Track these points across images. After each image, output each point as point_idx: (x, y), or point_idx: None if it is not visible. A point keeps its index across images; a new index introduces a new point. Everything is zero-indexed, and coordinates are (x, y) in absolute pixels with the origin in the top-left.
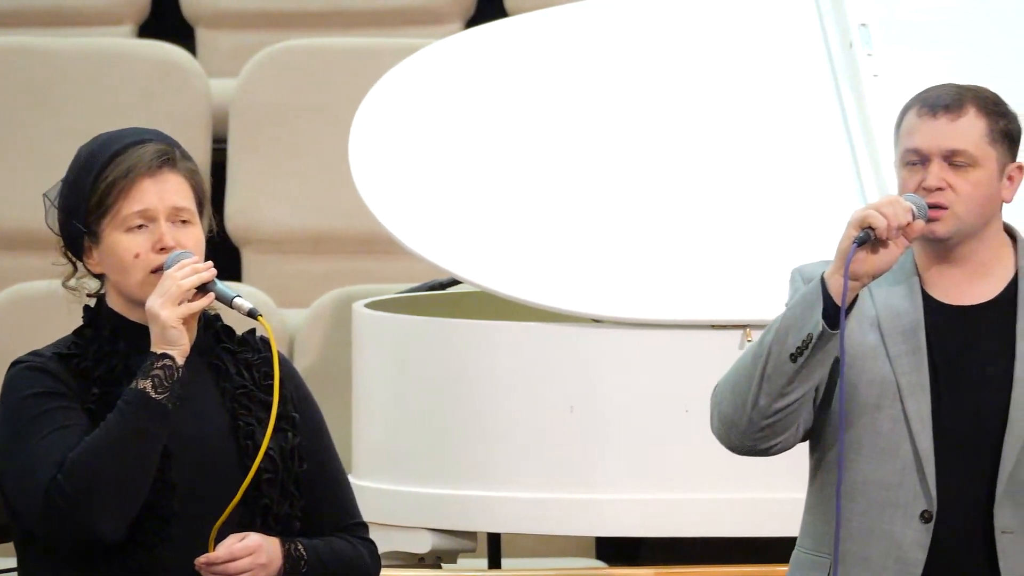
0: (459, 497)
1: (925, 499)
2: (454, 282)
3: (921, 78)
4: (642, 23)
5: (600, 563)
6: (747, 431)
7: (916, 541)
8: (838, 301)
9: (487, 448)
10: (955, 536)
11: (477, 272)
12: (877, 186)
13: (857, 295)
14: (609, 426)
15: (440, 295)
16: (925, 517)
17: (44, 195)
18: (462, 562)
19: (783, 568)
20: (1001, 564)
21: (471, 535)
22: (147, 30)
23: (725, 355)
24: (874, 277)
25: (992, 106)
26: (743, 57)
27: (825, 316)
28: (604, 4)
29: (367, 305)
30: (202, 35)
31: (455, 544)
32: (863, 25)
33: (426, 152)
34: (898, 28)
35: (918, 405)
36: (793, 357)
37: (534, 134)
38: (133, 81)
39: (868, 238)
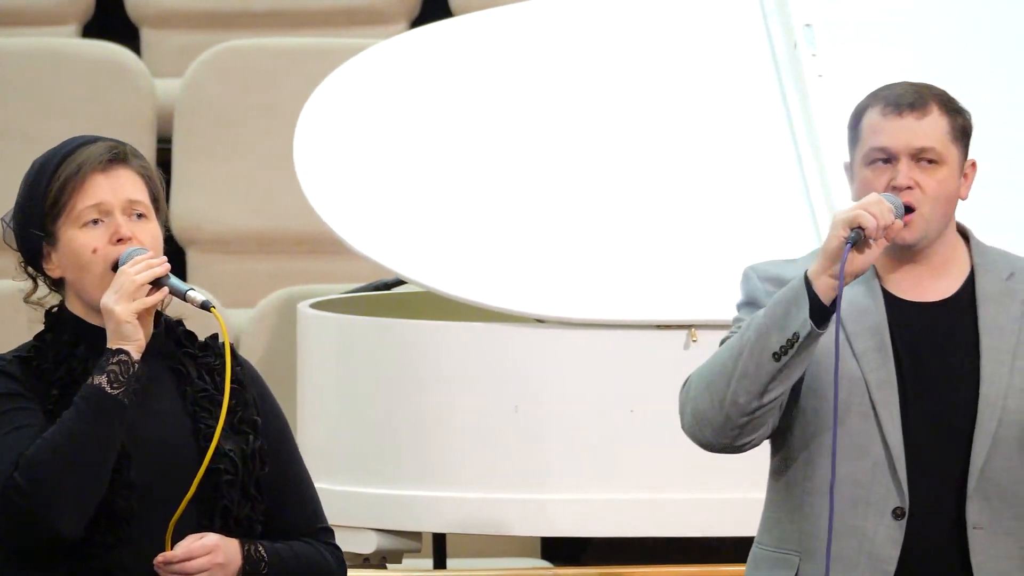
0: (404, 497)
1: (897, 496)
2: (399, 282)
3: (866, 78)
4: (587, 23)
5: (545, 563)
6: (723, 428)
7: (889, 538)
8: (825, 300)
9: (432, 448)
10: (928, 533)
11: (422, 272)
12: (822, 186)
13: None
14: (554, 426)
15: (385, 295)
16: (897, 514)
17: (1, 219)
18: (407, 562)
19: (728, 568)
20: (973, 560)
21: (416, 535)
22: (91, 30)
23: (670, 355)
24: (856, 277)
25: (951, 104)
26: (688, 58)
27: (811, 316)
28: (550, 4)
29: (312, 305)
30: (147, 35)
31: (400, 544)
32: (807, 25)
33: (371, 152)
34: (842, 28)
35: (887, 402)
36: (776, 356)
37: (478, 134)
38: (78, 81)
39: (859, 238)
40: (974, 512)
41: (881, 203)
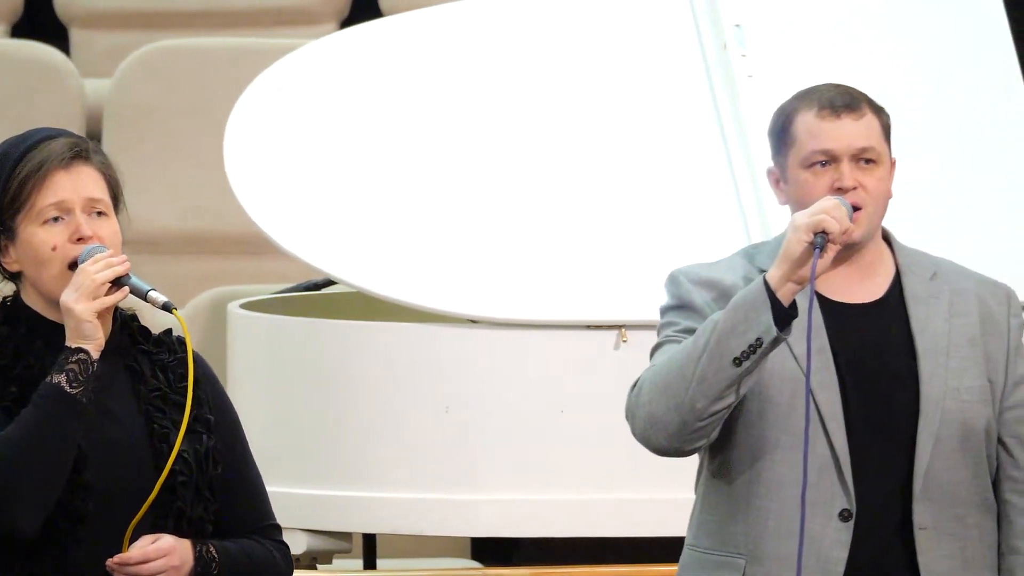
0: (334, 498)
1: (844, 498)
2: (329, 282)
3: (795, 78)
4: (517, 24)
5: (475, 563)
6: (678, 433)
7: (836, 539)
8: (786, 304)
9: (363, 449)
10: (874, 534)
11: (352, 272)
12: (752, 187)
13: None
14: (485, 427)
15: (316, 295)
16: (844, 516)
17: None
18: (337, 563)
19: (657, 568)
20: (920, 560)
21: (346, 536)
22: (20, 30)
23: (601, 355)
24: (812, 280)
25: (875, 103)
26: (618, 58)
27: (774, 320)
28: (478, 4)
29: (242, 305)
30: (76, 35)
31: (330, 545)
32: (737, 26)
33: (301, 153)
34: (772, 28)
35: (830, 403)
36: (737, 361)
37: (409, 135)
38: (6, 81)
39: (824, 243)
40: (920, 513)
41: (840, 207)
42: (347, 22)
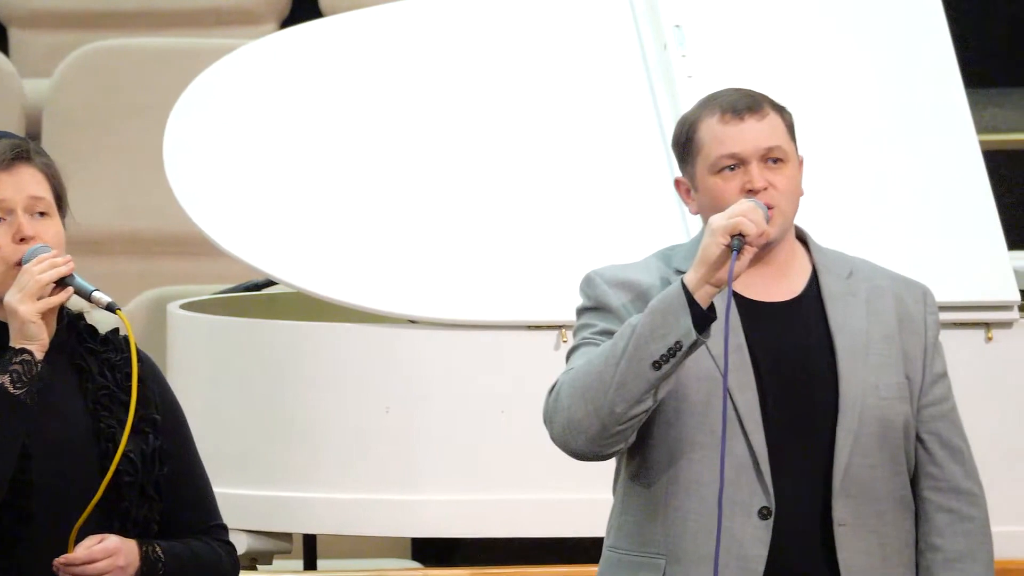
0: (274, 498)
1: (763, 496)
2: (270, 283)
3: (735, 79)
4: (458, 23)
5: (416, 564)
6: (597, 437)
7: (756, 538)
8: (704, 306)
9: (302, 449)
10: (794, 531)
11: (292, 273)
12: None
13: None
14: (425, 427)
15: (256, 296)
16: (763, 514)
17: None
18: (278, 563)
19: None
20: (839, 556)
21: (286, 536)
22: None
23: (541, 356)
24: (730, 282)
25: (777, 102)
26: (558, 58)
27: (693, 324)
28: (419, 4)
29: (182, 306)
30: (15, 35)
31: (270, 545)
32: (677, 26)
33: (241, 153)
34: (712, 29)
35: (747, 402)
36: (657, 365)
37: (349, 135)
38: None
39: (741, 246)
40: (839, 509)
41: (756, 210)
42: (287, 22)
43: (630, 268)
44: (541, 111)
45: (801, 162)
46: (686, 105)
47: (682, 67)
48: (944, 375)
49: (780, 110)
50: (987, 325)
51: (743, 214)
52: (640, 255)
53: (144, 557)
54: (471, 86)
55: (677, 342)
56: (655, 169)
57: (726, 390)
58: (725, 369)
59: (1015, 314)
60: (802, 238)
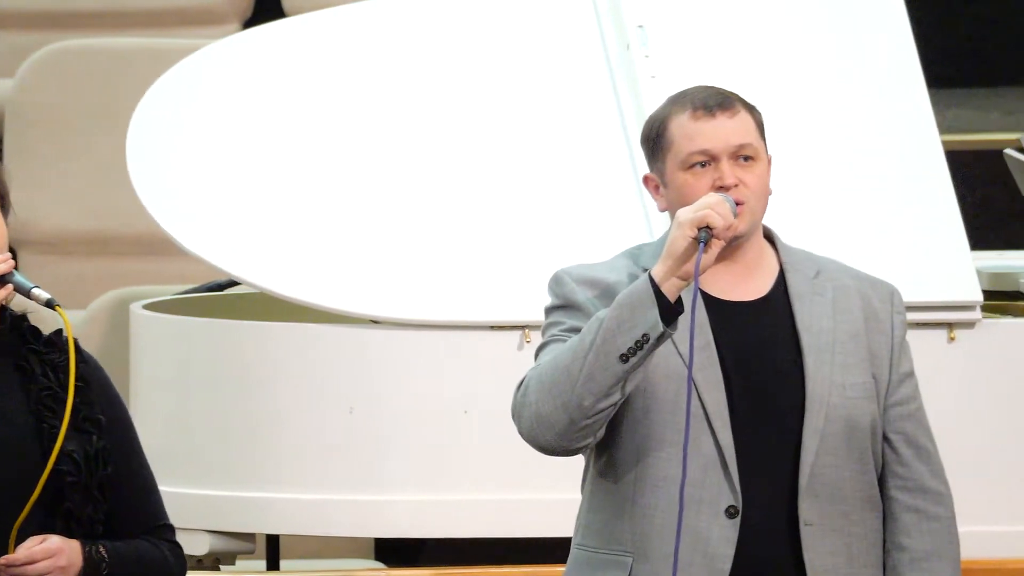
0: (237, 499)
1: (730, 495)
2: (233, 283)
3: (699, 79)
4: (422, 23)
5: (379, 564)
6: (565, 431)
7: (723, 536)
8: (672, 300)
9: (266, 450)
10: (761, 530)
11: (255, 273)
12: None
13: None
14: (389, 427)
15: (219, 296)
16: (730, 512)
17: None
18: (241, 563)
19: (563, 568)
20: (805, 556)
21: (249, 537)
22: None
23: (504, 356)
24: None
25: (747, 101)
26: (522, 58)
27: (661, 316)
28: (382, 4)
29: (145, 306)
30: None
31: (233, 546)
32: (640, 27)
33: (204, 153)
34: (675, 29)
35: (715, 400)
36: (624, 358)
37: (312, 135)
38: None
39: (709, 238)
40: (805, 509)
41: (724, 203)
42: (251, 22)
43: (598, 267)
44: (504, 111)
45: (769, 161)
46: (649, 105)
47: (645, 68)
48: (911, 375)
49: (751, 108)
50: (950, 325)
51: (710, 207)
52: (603, 254)
53: (87, 558)
54: (434, 86)
55: (644, 335)
56: (618, 169)
57: (691, 380)
58: (690, 362)
59: (977, 314)
60: (770, 237)
